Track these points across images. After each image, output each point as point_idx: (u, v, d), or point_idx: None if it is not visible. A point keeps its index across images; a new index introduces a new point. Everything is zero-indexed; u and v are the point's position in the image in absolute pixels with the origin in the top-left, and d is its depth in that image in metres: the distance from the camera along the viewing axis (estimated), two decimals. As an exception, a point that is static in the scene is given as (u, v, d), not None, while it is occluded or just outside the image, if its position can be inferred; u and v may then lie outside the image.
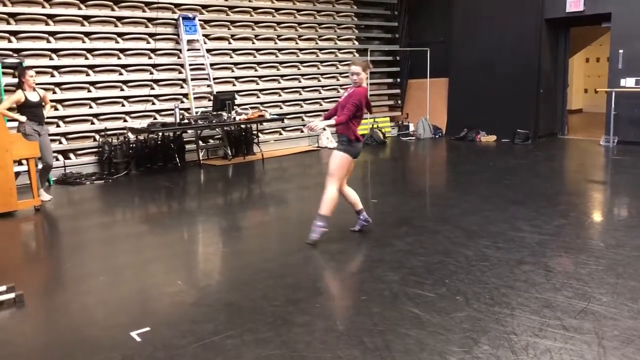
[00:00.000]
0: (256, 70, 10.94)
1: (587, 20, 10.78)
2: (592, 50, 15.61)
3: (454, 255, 4.59)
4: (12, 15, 8.33)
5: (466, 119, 11.87)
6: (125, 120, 9.35)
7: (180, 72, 9.92)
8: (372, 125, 12.00)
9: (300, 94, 11.65)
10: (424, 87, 12.88)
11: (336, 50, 12.22)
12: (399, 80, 13.32)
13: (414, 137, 12.38)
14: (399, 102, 13.36)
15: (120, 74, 9.31)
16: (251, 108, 10.70)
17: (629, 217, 5.99)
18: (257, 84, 10.97)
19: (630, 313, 3.43)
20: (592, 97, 16.14)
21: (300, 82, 11.60)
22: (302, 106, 11.66)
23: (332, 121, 4.99)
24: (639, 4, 9.80)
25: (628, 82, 10.06)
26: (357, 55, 12.52)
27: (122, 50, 9.32)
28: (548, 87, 11.46)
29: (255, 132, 10.45)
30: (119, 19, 9.32)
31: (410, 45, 13.09)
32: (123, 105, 9.34)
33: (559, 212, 5.87)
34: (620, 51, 10.09)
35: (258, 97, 11.00)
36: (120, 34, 9.32)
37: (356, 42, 12.63)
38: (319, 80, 11.94)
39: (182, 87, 9.94)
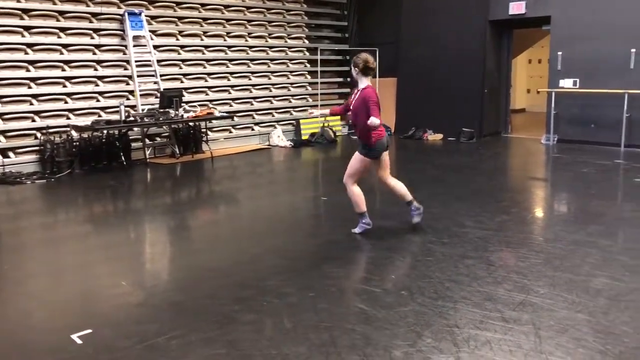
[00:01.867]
0: (205, 67, 10.81)
1: (529, 22, 11.15)
2: (534, 52, 16.15)
3: (400, 251, 4.67)
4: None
5: (414, 118, 12.07)
6: (68, 118, 9.06)
7: (126, 69, 9.69)
8: (323, 124, 12.05)
9: (251, 92, 11.58)
10: (373, 86, 12.97)
11: (286, 49, 12.21)
12: (349, 79, 13.42)
13: (363, 136, 12.49)
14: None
15: (63, 69, 9.01)
16: (200, 105, 10.56)
17: (567, 212, 6.24)
18: (206, 81, 10.84)
19: (565, 304, 3.57)
20: (535, 97, 16.69)
21: (250, 79, 11.53)
22: (252, 104, 11.59)
23: (375, 120, 4.88)
24: (577, 8, 10.20)
25: (566, 83, 10.46)
26: (307, 53, 12.55)
27: (64, 46, 9.02)
28: (492, 87, 11.79)
29: (204, 130, 10.32)
30: (61, 13, 9.02)
31: (360, 44, 13.20)
32: (66, 102, 9.05)
33: (501, 209, 6.06)
34: (560, 53, 10.49)
35: (207, 94, 10.87)
36: (62, 29, 9.01)
37: (306, 41, 12.65)
38: (269, 79, 11.90)
39: (127, 84, 9.70)
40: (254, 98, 11.63)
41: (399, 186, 5.21)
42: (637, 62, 9.57)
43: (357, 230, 5.12)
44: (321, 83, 12.59)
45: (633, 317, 3.38)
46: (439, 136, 11.82)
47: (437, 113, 11.82)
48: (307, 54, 12.59)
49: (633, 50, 9.57)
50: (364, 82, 5.07)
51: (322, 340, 3.15)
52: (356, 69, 5.03)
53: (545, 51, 11.71)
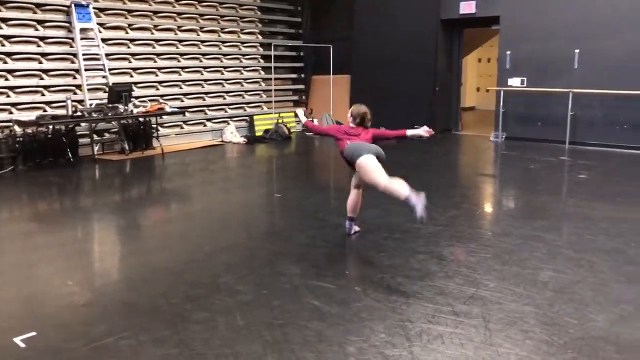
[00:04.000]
0: (155, 62, 10.58)
1: (478, 22, 11.40)
2: (484, 51, 16.53)
3: (354, 247, 4.69)
4: None
5: (368, 115, 12.15)
6: (10, 112, 8.69)
7: (72, 62, 9.37)
8: (277, 120, 12.00)
9: (203, 87, 11.41)
10: (327, 83, 13.04)
11: (240, 44, 12.08)
12: (303, 75, 13.41)
13: (317, 132, 12.51)
14: (304, 97, 13.45)
15: (5, 62, 8.64)
16: (150, 100, 10.33)
17: (514, 208, 6.42)
18: (157, 75, 10.61)
19: (514, 297, 3.67)
20: (484, 96, 17.10)
21: (202, 74, 11.35)
22: (204, 99, 11.42)
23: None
24: (524, 9, 10.49)
25: (515, 82, 10.75)
26: (260, 49, 12.45)
27: (6, 37, 8.65)
28: (444, 85, 12.00)
29: (154, 125, 10.10)
30: (3, 3, 8.64)
31: (314, 41, 13.21)
32: (8, 96, 8.68)
33: (452, 204, 6.17)
34: (508, 52, 10.77)
35: (157, 89, 10.64)
36: (4, 20, 8.64)
37: (260, 37, 12.55)
38: (222, 74, 11.75)
39: (74, 77, 9.39)
40: (206, 93, 11.47)
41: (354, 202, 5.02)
42: (580, 62, 9.92)
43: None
44: (275, 79, 12.52)
45: (577, 308, 3.49)
46: (392, 133, 11.93)
47: (391, 110, 11.90)
48: (261, 49, 12.49)
49: (577, 50, 9.92)
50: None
51: (276, 337, 3.13)
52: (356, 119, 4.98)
53: (495, 50, 12.00)
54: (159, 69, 10.64)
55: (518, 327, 3.25)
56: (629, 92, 9.36)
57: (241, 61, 12.12)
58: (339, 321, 3.32)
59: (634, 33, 9.36)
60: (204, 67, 11.38)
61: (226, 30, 11.80)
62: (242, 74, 12.14)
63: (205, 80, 11.43)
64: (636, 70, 9.30)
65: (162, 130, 10.39)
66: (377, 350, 2.99)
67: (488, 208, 6.43)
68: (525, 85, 10.63)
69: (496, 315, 3.40)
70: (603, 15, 9.66)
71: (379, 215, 5.67)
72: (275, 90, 12.49)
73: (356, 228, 5.02)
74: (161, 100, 10.47)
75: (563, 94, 10.03)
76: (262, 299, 3.66)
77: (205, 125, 11.46)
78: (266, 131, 11.78)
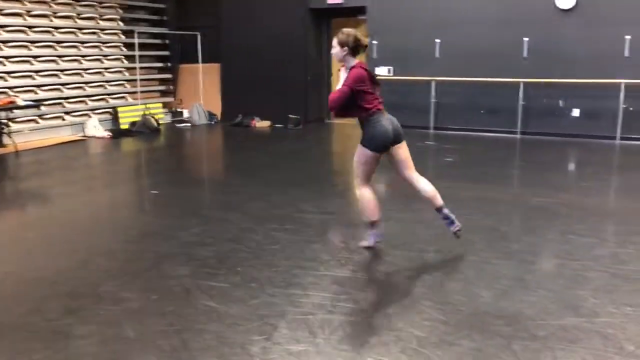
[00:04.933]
0: (2, 50, 9.49)
1: (346, 12, 11.63)
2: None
3: (244, 241, 4.54)
4: None
5: (241, 105, 11.95)
6: None
7: None
8: (144, 111, 11.35)
9: (59, 78, 10.45)
10: (196, 72, 12.59)
11: (99, 31, 11.23)
12: (169, 64, 12.82)
13: (189, 124, 12.07)
14: (171, 87, 12.88)
15: None
16: (-2, 93, 9.27)
17: (393, 192, 6.59)
18: (4, 65, 9.52)
19: (407, 280, 3.78)
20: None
21: (58, 64, 10.40)
22: (62, 91, 10.47)
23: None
24: None
25: (382, 71, 11.13)
26: (122, 37, 11.69)
27: None
28: (315, 74, 12.13)
29: (4, 121, 9.07)
30: None
31: (180, 28, 12.67)
32: None
33: (337, 192, 6.24)
34: (375, 42, 11.11)
35: (6, 80, 9.56)
36: None
37: (121, 23, 11.76)
38: (81, 63, 10.85)
39: None
40: (63, 84, 10.52)
41: (428, 187, 4.31)
42: (442, 52, 10.51)
43: (365, 243, 4.29)
44: (140, 69, 11.82)
45: (465, 286, 3.66)
46: (267, 123, 11.86)
47: (264, 100, 11.84)
48: (123, 37, 11.72)
49: (438, 40, 10.50)
50: (352, 61, 4.07)
51: (173, 345, 2.91)
52: (345, 48, 4.02)
53: (362, 40, 12.32)
54: (7, 58, 9.56)
55: (415, 309, 3.33)
56: (484, 80, 10.10)
57: (102, 49, 11.28)
58: (238, 321, 3.17)
59: (481, 26, 10.08)
60: (60, 56, 10.43)
61: (83, 16, 10.91)
62: (103, 63, 11.31)
63: (61, 70, 10.48)
64: (487, 60, 10.04)
65: (13, 126, 9.36)
66: (282, 347, 2.90)
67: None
68: (392, 74, 11.05)
69: (393, 299, 3.47)
70: (458, 8, 10.29)
71: (263, 207, 5.56)
72: (140, 80, 11.78)
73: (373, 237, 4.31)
74: (11, 93, 9.44)
75: (427, 82, 10.58)
76: (153, 305, 3.40)
77: (63, 119, 10.54)
78: (133, 124, 11.10)
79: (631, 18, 9.10)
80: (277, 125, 11.79)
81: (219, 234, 4.73)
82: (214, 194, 6.24)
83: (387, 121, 4.10)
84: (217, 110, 12.54)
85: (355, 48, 4.04)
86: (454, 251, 4.30)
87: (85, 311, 3.31)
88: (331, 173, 7.48)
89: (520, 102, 9.90)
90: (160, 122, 11.69)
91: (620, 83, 9.02)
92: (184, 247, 4.43)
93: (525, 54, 9.88)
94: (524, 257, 4.18)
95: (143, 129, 10.98)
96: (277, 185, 6.54)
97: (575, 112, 9.73)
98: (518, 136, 10.00)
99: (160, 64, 12.68)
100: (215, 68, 12.54)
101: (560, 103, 9.81)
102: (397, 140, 4.14)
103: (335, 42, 4.07)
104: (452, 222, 4.27)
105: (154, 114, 11.53)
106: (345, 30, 4.09)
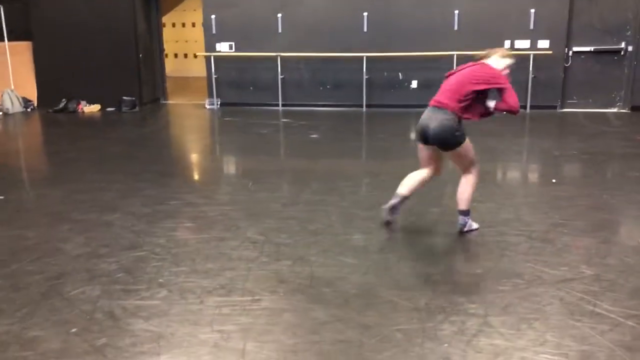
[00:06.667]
0: None
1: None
2: (183, 15, 16.24)
3: (146, 247, 3.93)
4: None
5: (63, 89, 10.50)
6: None
7: None
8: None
9: None
10: (2, 52, 10.76)
11: None
12: (-37, 43, 10.77)
13: (1, 113, 10.30)
14: (-31, 71, 10.86)
15: None
16: None
17: (286, 176, 6.26)
18: None
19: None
20: (182, 62, 16.86)
21: None
22: None
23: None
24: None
25: (223, 47, 10.63)
26: None
27: None
28: (146, 52, 11.16)
29: None
30: None
31: (-26, 0, 10.67)
32: None
33: (218, 179, 5.76)
34: (213, 16, 10.53)
35: None
36: None
37: None
38: None
39: None
40: None
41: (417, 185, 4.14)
42: (284, 27, 10.33)
43: (470, 227, 4.06)
44: None
45: (336, 265, 3.60)
46: (97, 107, 10.64)
47: (91, 82, 10.58)
48: None
49: (279, 15, 10.28)
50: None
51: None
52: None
53: (199, 15, 11.64)
54: None
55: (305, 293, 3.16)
56: (327, 55, 10.18)
57: None
58: (193, 346, 2.71)
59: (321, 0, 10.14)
60: None
61: None
62: None
63: None
64: (329, 35, 10.13)
65: None
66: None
67: (258, 181, 6.10)
68: (234, 50, 10.60)
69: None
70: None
71: (145, 203, 4.91)
72: None
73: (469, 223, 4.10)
74: None
75: (272, 57, 10.35)
76: (77, 341, 2.74)
77: None
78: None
79: (458, -6, 9.84)
80: (108, 109, 10.65)
81: (112, 241, 4.03)
82: (74, 192, 5.28)
83: (422, 117, 3.98)
84: (34, 95, 10.91)
85: None
86: (375, 233, 4.21)
87: (-14, 365, 2.56)
88: (200, 157, 6.91)
89: (365, 76, 10.18)
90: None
91: (453, 55, 9.72)
92: (78, 261, 3.69)
93: (365, 28, 10.15)
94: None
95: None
96: (145, 177, 5.81)
97: (414, 84, 10.31)
98: (364, 109, 10.31)
99: (-49, 43, 10.59)
100: (26, 47, 10.85)
101: (400, 76, 10.31)
102: (424, 138, 3.93)
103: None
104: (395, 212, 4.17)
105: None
106: None
